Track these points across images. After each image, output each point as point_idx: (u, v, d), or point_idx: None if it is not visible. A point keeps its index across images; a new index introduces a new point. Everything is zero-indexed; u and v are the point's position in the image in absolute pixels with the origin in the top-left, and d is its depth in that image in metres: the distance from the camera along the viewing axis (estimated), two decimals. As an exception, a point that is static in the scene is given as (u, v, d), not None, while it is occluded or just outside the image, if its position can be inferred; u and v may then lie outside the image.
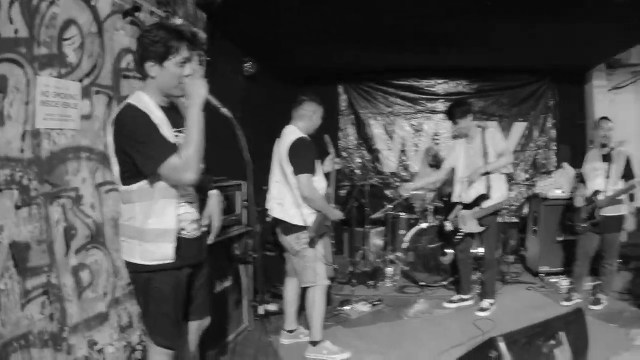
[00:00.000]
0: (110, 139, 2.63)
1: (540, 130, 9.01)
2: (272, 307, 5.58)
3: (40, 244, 2.90)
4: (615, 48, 7.53)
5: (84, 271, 3.27)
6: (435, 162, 7.96)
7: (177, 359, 2.89)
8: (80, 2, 3.27)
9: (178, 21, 4.48)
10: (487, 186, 5.63)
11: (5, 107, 2.68)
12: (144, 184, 2.63)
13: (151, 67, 2.64)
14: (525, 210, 7.97)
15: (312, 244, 4.49)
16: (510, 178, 7.25)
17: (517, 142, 9.00)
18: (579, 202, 5.88)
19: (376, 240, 7.75)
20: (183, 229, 2.76)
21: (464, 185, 5.82)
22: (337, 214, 4.72)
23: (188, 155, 2.50)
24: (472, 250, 6.19)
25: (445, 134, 8.86)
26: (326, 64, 8.24)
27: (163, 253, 2.66)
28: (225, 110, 2.67)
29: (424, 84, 9.19)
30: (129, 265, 2.75)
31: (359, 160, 9.30)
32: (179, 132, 2.70)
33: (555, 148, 8.99)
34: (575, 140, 8.53)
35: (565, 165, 6.95)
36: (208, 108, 2.61)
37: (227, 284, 4.74)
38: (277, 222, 4.66)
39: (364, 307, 5.97)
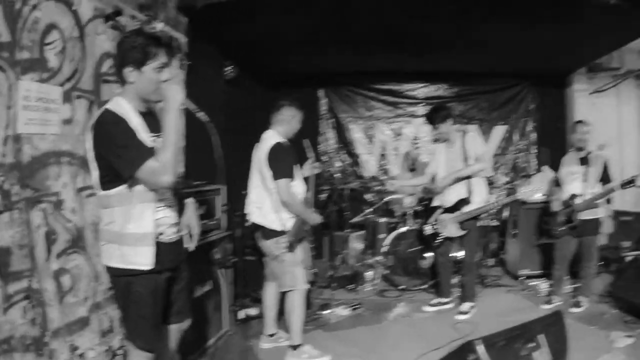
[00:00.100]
0: (89, 144, 2.66)
1: (520, 134, 9.13)
2: (252, 311, 5.59)
3: (22, 248, 2.89)
4: (596, 52, 7.63)
5: (64, 275, 3.26)
6: (414, 166, 8.02)
7: (157, 362, 2.91)
8: (61, 6, 3.27)
9: (159, 25, 4.49)
10: (468, 190, 5.68)
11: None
12: (122, 188, 2.66)
13: (129, 72, 2.69)
14: (505, 214, 8.05)
15: (291, 248, 4.51)
16: (490, 182, 7.30)
17: (497, 146, 9.13)
18: (556, 206, 5.94)
19: (356, 243, 7.74)
20: (161, 233, 2.80)
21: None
22: (315, 218, 4.74)
23: (165, 159, 2.56)
24: (451, 254, 6.22)
25: (425, 138, 8.85)
26: (307, 67, 8.28)
27: (142, 257, 2.69)
28: (201, 115, 2.77)
29: (404, 87, 9.27)
30: (109, 269, 2.78)
31: (338, 164, 9.34)
32: (157, 136, 2.74)
33: (535, 151, 9.11)
34: (555, 143, 8.60)
35: (546, 168, 7.04)
36: (188, 113, 2.65)
37: (207, 288, 4.73)
38: (256, 226, 4.67)
39: (343, 311, 5.98)
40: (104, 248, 2.77)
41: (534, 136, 9.11)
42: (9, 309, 2.79)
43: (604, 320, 5.45)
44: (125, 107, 2.70)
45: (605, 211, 6.00)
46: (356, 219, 7.92)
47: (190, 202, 3.29)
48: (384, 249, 6.96)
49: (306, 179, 4.89)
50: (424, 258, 6.85)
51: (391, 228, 7.41)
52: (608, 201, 5.88)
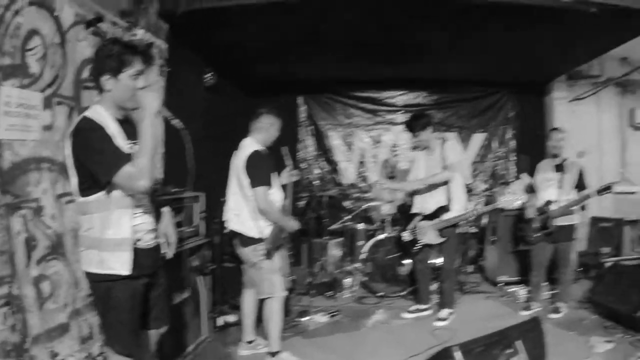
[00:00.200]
0: (68, 151, 2.69)
1: (499, 141, 9.19)
2: (231, 318, 5.58)
3: (2, 254, 2.89)
4: (575, 60, 7.71)
5: (44, 282, 3.26)
6: (393, 174, 8.06)
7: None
8: (43, 12, 3.28)
9: (140, 32, 4.50)
10: (447, 197, 5.72)
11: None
12: (100, 195, 2.70)
13: (106, 80, 2.74)
14: (484, 221, 8.10)
15: (268, 255, 4.52)
16: (469, 189, 7.35)
17: (476, 153, 9.18)
18: (531, 213, 6.01)
19: (334, 250, 7.74)
20: (139, 239, 2.84)
21: (422, 196, 5.91)
22: (293, 225, 4.75)
23: (141, 164, 2.60)
24: (430, 260, 6.25)
25: (404, 145, 8.88)
26: (286, 75, 8.30)
27: (120, 262, 2.73)
28: (176, 122, 2.86)
29: (384, 95, 9.29)
30: (88, 274, 2.81)
31: (317, 171, 9.30)
32: (134, 143, 2.78)
33: (514, 158, 9.18)
34: (535, 151, 8.53)
35: (524, 175, 7.14)
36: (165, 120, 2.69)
37: (186, 295, 4.72)
38: (234, 233, 4.68)
39: (322, 318, 5.99)
40: (84, 254, 2.79)
41: (513, 144, 9.18)
42: (-10, 315, 2.79)
43: (584, 325, 5.50)
44: (102, 114, 2.74)
45: (581, 217, 6.07)
46: (335, 226, 7.93)
47: (166, 211, 3.36)
48: (363, 256, 6.99)
49: (284, 187, 4.91)
50: (403, 265, 6.91)
51: (370, 235, 7.44)
52: (583, 208, 5.95)
